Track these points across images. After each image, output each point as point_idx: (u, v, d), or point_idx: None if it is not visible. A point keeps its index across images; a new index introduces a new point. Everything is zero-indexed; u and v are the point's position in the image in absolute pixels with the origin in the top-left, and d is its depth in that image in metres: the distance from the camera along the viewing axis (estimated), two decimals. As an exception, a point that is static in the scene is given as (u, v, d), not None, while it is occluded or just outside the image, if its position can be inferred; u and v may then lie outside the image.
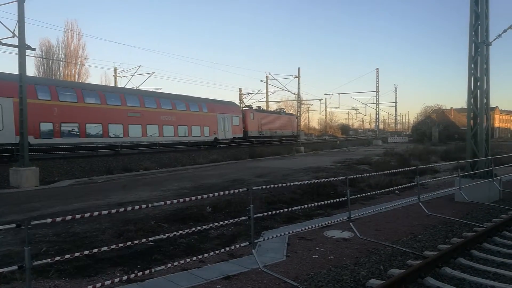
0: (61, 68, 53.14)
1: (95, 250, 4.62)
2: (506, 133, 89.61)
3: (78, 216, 4.49)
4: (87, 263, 6.12)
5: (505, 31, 12.33)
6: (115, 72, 44.07)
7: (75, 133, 24.34)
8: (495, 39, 12.11)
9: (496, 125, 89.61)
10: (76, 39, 53.17)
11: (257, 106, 46.09)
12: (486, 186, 11.51)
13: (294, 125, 51.32)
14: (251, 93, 52.93)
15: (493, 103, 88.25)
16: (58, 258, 4.29)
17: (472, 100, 11.93)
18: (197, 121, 33.55)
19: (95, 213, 4.66)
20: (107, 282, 4.51)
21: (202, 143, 33.56)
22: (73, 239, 7.49)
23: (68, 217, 4.43)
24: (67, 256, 4.35)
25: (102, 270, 5.89)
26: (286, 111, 57.51)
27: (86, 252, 4.53)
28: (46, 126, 22.70)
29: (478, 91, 11.78)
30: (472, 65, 11.78)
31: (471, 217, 9.30)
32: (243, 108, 43.97)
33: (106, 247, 4.67)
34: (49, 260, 4.25)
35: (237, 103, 45.89)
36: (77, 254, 4.41)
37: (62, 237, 7.59)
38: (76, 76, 53.25)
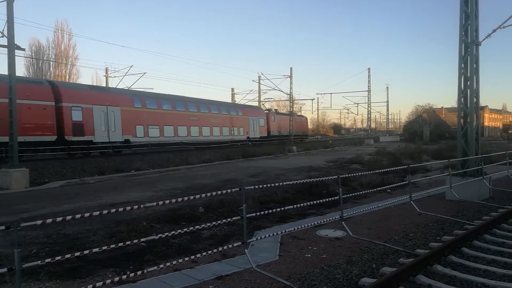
0: (51, 68, 52.65)
1: (86, 252, 4.58)
2: (495, 132, 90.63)
3: (69, 217, 4.44)
4: (78, 265, 6.07)
5: (494, 31, 12.50)
6: (106, 73, 43.81)
7: (156, 133, 30.08)
8: (484, 39, 12.28)
9: (486, 124, 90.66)
10: (67, 39, 52.67)
11: (274, 109, 50.88)
12: (476, 185, 11.64)
13: (304, 125, 58.61)
14: (243, 93, 53.08)
15: (483, 102, 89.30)
16: (48, 260, 4.24)
17: (462, 99, 12.05)
18: (236, 123, 39.98)
19: (86, 214, 4.62)
20: (99, 284, 4.47)
21: (239, 141, 39.78)
22: (64, 240, 7.42)
23: (59, 219, 4.38)
24: (57, 258, 4.31)
25: (94, 272, 5.84)
26: (297, 113, 63.70)
27: (77, 254, 4.48)
28: (139, 128, 28.63)
29: (468, 90, 11.90)
30: (462, 65, 11.90)
31: (461, 215, 9.40)
32: (266, 111, 49.20)
33: (98, 249, 4.63)
34: (39, 262, 4.20)
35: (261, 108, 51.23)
36: (67, 255, 4.36)
37: (53, 239, 7.51)
38: (67, 77, 52.75)
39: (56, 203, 11.36)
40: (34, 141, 22.02)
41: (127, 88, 35.46)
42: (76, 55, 54.39)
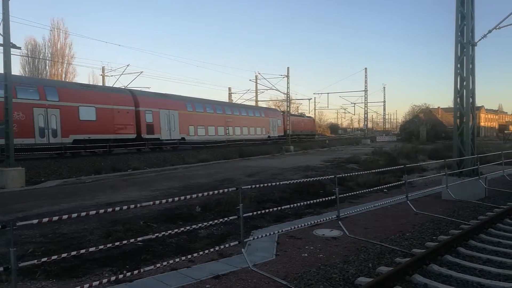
0: (47, 67, 52.43)
1: (82, 251, 4.57)
2: (491, 132, 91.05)
3: (65, 216, 4.44)
4: (74, 264, 6.05)
5: (490, 31, 12.54)
6: (103, 71, 43.68)
7: (203, 132, 36.07)
8: (480, 40, 12.32)
9: (482, 124, 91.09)
10: (63, 38, 52.49)
11: (287, 111, 55.70)
12: (472, 184, 11.69)
13: (312, 125, 66.09)
14: (240, 92, 53.32)
15: (479, 102, 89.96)
16: (44, 259, 4.23)
17: (458, 99, 12.10)
18: (260, 124, 46.12)
19: (83, 214, 4.61)
20: (95, 283, 4.46)
21: (262, 139, 45.37)
22: (60, 239, 7.40)
23: (55, 218, 4.37)
24: (54, 257, 4.29)
25: (90, 271, 5.82)
26: (306, 115, 70.29)
27: (74, 253, 4.48)
28: (191, 128, 34.54)
29: (464, 90, 11.95)
30: (458, 65, 11.95)
31: (457, 215, 9.44)
32: (282, 113, 54.77)
33: (94, 248, 4.62)
34: (35, 261, 4.19)
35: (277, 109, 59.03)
36: (64, 255, 4.36)
37: (49, 238, 7.49)
38: (63, 75, 52.56)
39: (52, 202, 11.32)
40: (121, 139, 27.62)
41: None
42: (73, 54, 54.28)
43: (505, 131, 71.42)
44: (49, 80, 26.70)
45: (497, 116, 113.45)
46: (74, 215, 4.51)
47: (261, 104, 62.70)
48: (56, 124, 23.76)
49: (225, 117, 39.87)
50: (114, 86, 35.58)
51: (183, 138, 33.32)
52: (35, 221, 4.20)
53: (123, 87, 35.46)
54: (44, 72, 51.95)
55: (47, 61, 51.71)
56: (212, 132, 37.38)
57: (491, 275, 5.37)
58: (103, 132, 26.01)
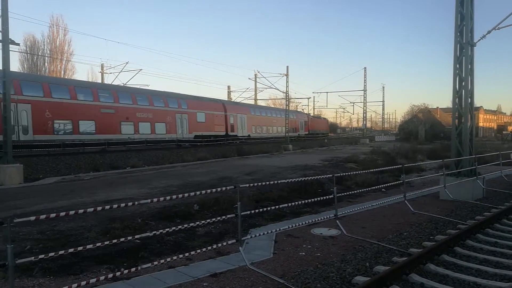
0: (46, 63, 52.26)
1: (80, 248, 4.57)
2: (490, 132, 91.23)
3: (62, 213, 4.43)
4: (72, 261, 6.06)
5: (489, 32, 12.55)
6: (102, 69, 43.58)
7: (260, 131, 46.92)
8: (479, 40, 12.33)
9: (481, 124, 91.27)
10: (62, 34, 52.31)
11: (307, 112, 67.68)
12: (470, 185, 11.71)
13: (326, 125, 75.72)
14: (239, 91, 53.58)
15: (477, 103, 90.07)
16: (42, 256, 4.23)
17: (457, 99, 12.10)
18: (294, 124, 55.39)
19: (81, 211, 4.61)
20: (92, 280, 4.46)
21: (295, 136, 54.13)
22: (58, 237, 7.40)
23: (53, 215, 4.37)
24: (51, 254, 4.29)
25: (88, 268, 5.83)
26: (321, 116, 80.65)
27: (71, 250, 4.48)
28: (253, 128, 45.18)
29: (463, 91, 11.96)
30: (457, 65, 11.95)
31: (455, 215, 9.46)
32: (306, 114, 65.88)
33: (92, 245, 4.63)
34: (32, 258, 4.19)
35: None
36: (61, 252, 4.36)
37: (46, 235, 7.48)
38: (62, 72, 52.43)
39: (50, 199, 11.31)
40: (217, 135, 38.11)
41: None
42: (72, 51, 54.20)
43: (504, 132, 71.56)
44: (181, 94, 36.02)
45: (495, 117, 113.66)
46: (72, 212, 4.51)
47: (260, 103, 62.94)
48: (186, 124, 34.37)
49: (272, 119, 51.30)
50: (134, 86, 35.65)
51: (249, 135, 43.46)
52: (33, 218, 4.20)
53: (215, 98, 44.81)
54: (43, 69, 51.82)
55: (46, 57, 51.58)
56: (264, 130, 48.53)
57: (487, 275, 5.39)
58: (209, 130, 37.37)
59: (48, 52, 52.19)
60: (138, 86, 34.22)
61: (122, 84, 36.66)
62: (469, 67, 11.88)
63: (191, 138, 34.58)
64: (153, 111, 30.78)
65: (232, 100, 47.22)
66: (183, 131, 33.74)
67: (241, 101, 54.25)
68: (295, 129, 56.06)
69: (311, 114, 73.08)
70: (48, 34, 51.87)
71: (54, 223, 8.19)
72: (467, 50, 11.78)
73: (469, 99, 12.00)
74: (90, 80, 51.79)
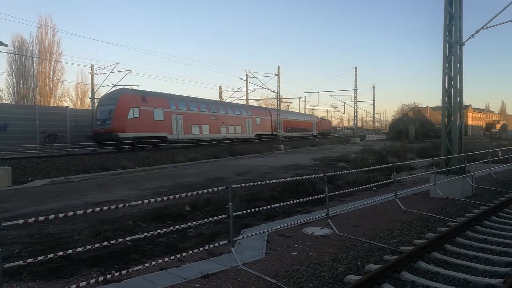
0: (35, 64, 51.63)
1: (69, 251, 4.51)
2: (479, 130, 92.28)
3: (51, 216, 4.37)
4: (62, 265, 5.98)
5: (477, 31, 12.70)
6: (91, 69, 43.08)
7: (291, 131, 57.63)
8: (468, 39, 12.46)
9: (470, 123, 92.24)
10: (51, 35, 51.67)
11: (318, 115, 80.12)
12: (459, 182, 11.85)
13: (329, 125, 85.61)
14: (231, 91, 53.88)
15: (466, 101, 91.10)
16: (30, 260, 4.17)
17: (446, 98, 12.24)
18: (309, 125, 68.22)
19: (70, 213, 4.55)
20: (83, 284, 4.41)
21: (311, 135, 66.16)
22: (47, 240, 7.30)
23: (41, 218, 4.31)
24: (40, 257, 4.23)
25: (78, 271, 5.76)
26: (326, 118, 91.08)
27: (60, 253, 4.42)
28: (287, 129, 55.51)
29: (452, 89, 12.09)
30: (446, 65, 12.08)
31: (445, 213, 9.56)
32: (316, 116, 77.87)
33: (82, 248, 4.57)
34: (21, 262, 4.13)
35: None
36: (50, 255, 4.29)
37: (36, 238, 7.39)
38: (51, 73, 51.90)
39: (39, 202, 11.16)
40: (267, 134, 50.01)
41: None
42: (61, 51, 53.58)
43: (492, 130, 72.45)
44: (247, 105, 49.92)
45: (484, 115, 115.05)
46: (61, 215, 4.45)
47: (251, 103, 63.10)
48: (251, 127, 47.02)
49: (300, 121, 64.04)
50: (103, 84, 37.88)
51: (284, 134, 51.64)
52: (21, 221, 4.13)
53: (264, 106, 61.49)
54: (32, 70, 51.20)
55: (35, 58, 50.93)
56: (294, 131, 58.99)
57: (477, 272, 5.45)
58: (263, 131, 49.89)
59: (37, 53, 51.57)
60: (129, 87, 33.79)
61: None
62: (458, 66, 12.01)
63: (253, 136, 46.89)
64: (235, 118, 43.96)
65: (273, 108, 58.08)
66: (249, 132, 46.67)
67: (235, 101, 55.12)
68: (310, 129, 68.41)
69: (318, 116, 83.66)
70: (37, 34, 51.23)
71: (43, 226, 8.09)
72: (456, 49, 11.91)
73: (458, 98, 12.13)
74: (80, 82, 51.75)
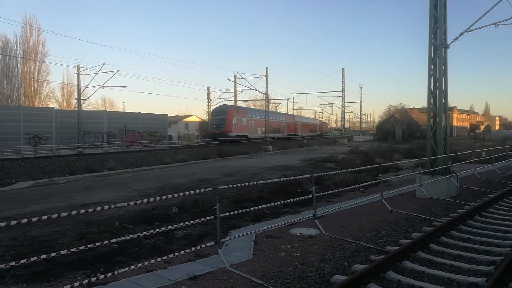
0: (19, 64, 50.76)
1: (53, 254, 4.44)
2: (463, 131, 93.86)
3: (35, 218, 4.30)
4: (46, 268, 5.88)
5: (461, 34, 12.95)
6: (78, 70, 42.52)
7: (306, 132, 71.28)
8: (452, 42, 12.70)
9: (455, 124, 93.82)
10: (35, 35, 50.88)
11: (320, 119, 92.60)
12: (444, 183, 12.02)
13: (326, 128, 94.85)
14: (218, 92, 53.62)
15: (451, 103, 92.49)
16: (13, 263, 4.09)
17: (432, 100, 12.40)
18: (313, 127, 78.56)
19: (54, 215, 4.48)
20: (67, 287, 4.34)
21: (316, 136, 75.61)
22: (31, 243, 7.18)
23: (24, 220, 4.23)
24: (22, 261, 4.15)
25: (63, 275, 5.67)
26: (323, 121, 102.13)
27: (44, 256, 4.34)
28: (303, 130, 70.48)
29: (437, 91, 12.27)
30: (432, 67, 12.25)
31: (430, 213, 9.68)
32: (319, 120, 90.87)
33: (66, 251, 4.51)
34: (3, 265, 4.05)
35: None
36: (33, 258, 4.22)
37: (19, 241, 7.26)
38: (36, 74, 51.06)
39: (23, 204, 10.98)
40: (291, 134, 62.58)
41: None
42: (46, 52, 52.77)
43: (476, 131, 73.78)
44: (290, 115, 69.97)
45: (468, 116, 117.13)
46: (45, 217, 4.38)
47: (240, 104, 63.23)
48: (284, 128, 60.68)
49: (309, 124, 75.65)
50: (89, 85, 36.82)
51: (301, 134, 65.34)
52: (3, 224, 4.05)
53: (289, 113, 73.61)
54: (16, 70, 50.31)
55: (19, 58, 50.06)
56: (306, 131, 70.78)
57: (461, 271, 5.53)
58: (291, 131, 63.28)
59: (21, 53, 50.72)
60: (116, 88, 33.70)
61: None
62: (443, 68, 12.19)
63: (286, 136, 59.43)
64: (277, 122, 58.07)
65: (296, 115, 73.76)
66: (283, 132, 60.04)
67: (222, 102, 55.34)
68: (315, 130, 78.85)
69: (319, 120, 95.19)
70: (21, 34, 50.41)
71: (27, 228, 7.95)
72: (440, 51, 12.09)
73: (443, 99, 12.31)
74: (66, 82, 51.18)
